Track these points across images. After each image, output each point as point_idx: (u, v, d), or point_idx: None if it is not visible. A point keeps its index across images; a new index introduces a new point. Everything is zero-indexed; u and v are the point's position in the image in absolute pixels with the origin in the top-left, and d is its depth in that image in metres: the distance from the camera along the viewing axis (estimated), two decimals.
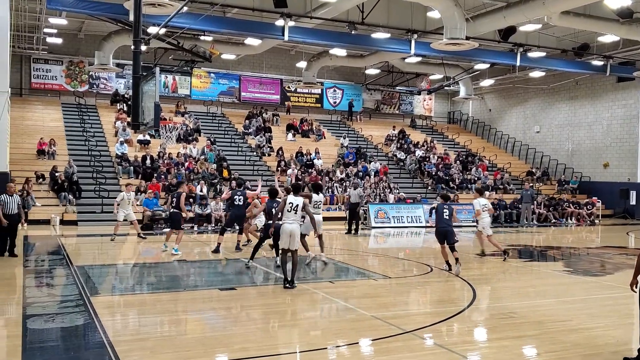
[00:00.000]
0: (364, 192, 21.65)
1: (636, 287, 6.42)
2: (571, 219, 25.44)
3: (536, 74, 29.77)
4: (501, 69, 30.05)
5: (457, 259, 11.61)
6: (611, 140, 29.38)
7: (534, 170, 31.36)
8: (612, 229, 23.39)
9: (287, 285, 9.73)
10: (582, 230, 22.95)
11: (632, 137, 27.88)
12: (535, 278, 12.08)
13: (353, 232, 19.24)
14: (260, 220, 13.61)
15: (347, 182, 25.42)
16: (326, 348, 6.78)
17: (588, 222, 25.42)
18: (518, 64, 25.02)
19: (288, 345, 6.86)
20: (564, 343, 7.02)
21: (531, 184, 27.35)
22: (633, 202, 27.46)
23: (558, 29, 24.05)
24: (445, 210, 11.74)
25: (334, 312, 8.71)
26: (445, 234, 11.78)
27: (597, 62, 26.53)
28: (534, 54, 25.33)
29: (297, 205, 9.92)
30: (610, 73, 26.67)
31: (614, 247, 16.82)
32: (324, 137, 31.12)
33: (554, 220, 24.90)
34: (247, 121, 30.41)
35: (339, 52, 27.07)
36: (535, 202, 24.96)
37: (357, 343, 7.00)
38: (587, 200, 27.21)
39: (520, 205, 24.64)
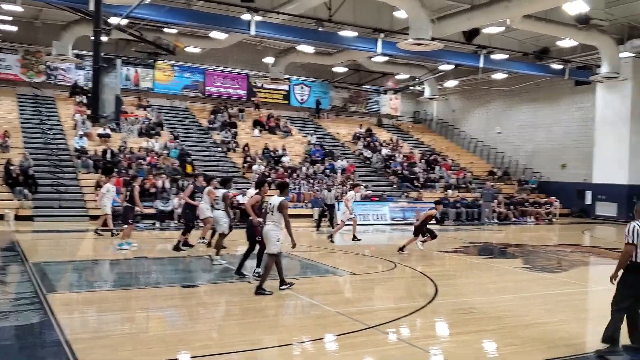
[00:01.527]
0: (337, 192, 21.82)
1: (615, 280, 6.62)
2: (530, 218, 26.04)
3: (499, 76, 30.35)
4: (465, 70, 30.55)
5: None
6: (569, 142, 30.18)
7: (495, 170, 32.00)
8: (568, 228, 24.06)
9: (282, 286, 9.41)
10: (541, 229, 23.54)
11: (588, 139, 28.69)
12: (495, 274, 12.34)
13: (326, 228, 19.52)
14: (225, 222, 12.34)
15: (314, 179, 25.47)
16: (291, 344, 6.80)
17: (546, 220, 26.08)
18: (481, 65, 25.48)
19: (251, 342, 6.85)
20: (521, 337, 7.20)
21: (492, 184, 27.91)
22: (588, 201, 28.29)
23: (520, 32, 24.61)
24: None
25: (299, 309, 8.73)
26: None
27: (557, 66, 27.23)
28: (496, 57, 25.85)
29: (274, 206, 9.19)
30: (569, 77, 27.40)
31: (570, 245, 17.31)
32: (291, 134, 31.09)
33: (513, 219, 25.46)
34: (212, 116, 30.14)
35: (307, 49, 27.09)
36: (495, 201, 25.48)
37: (322, 339, 7.04)
38: (546, 199, 27.94)
39: (481, 204, 25.11)
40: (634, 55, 25.91)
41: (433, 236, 14.51)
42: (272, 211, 9.17)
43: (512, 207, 26.16)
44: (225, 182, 12.59)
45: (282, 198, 9.25)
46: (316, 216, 22.64)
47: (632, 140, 26.67)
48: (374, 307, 9.04)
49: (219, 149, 27.32)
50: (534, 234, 21.75)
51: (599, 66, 24.84)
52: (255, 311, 8.31)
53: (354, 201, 17.08)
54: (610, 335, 6.49)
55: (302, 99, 35.20)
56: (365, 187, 24.69)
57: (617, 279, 6.55)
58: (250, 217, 10.04)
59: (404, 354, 6.63)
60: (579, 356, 6.60)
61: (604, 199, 27.66)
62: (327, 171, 26.70)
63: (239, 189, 21.09)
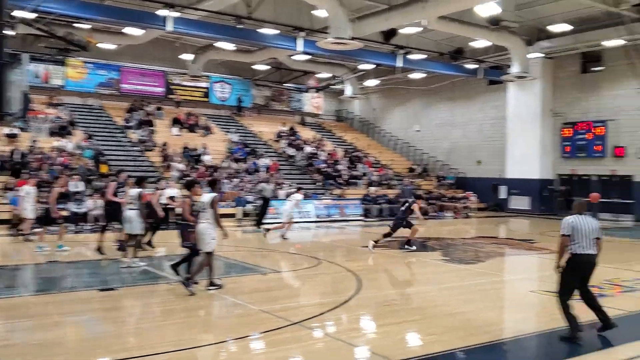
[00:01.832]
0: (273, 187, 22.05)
1: (559, 269, 7.10)
2: (448, 212, 27.01)
3: (417, 75, 31.24)
4: (385, 69, 31.24)
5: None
6: (484, 139, 31.55)
7: (415, 166, 32.93)
8: (484, 221, 25.14)
9: (211, 287, 9.31)
10: (458, 222, 24.47)
11: (501, 136, 30.10)
12: (416, 267, 12.71)
13: (261, 226, 19.65)
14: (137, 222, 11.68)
15: (238, 178, 25.21)
16: (213, 344, 6.71)
17: (463, 214, 27.14)
18: (399, 65, 26.19)
19: (172, 343, 6.69)
20: (442, 326, 7.46)
21: (412, 180, 28.72)
22: (503, 196, 29.70)
23: (436, 33, 25.45)
24: None
25: (222, 309, 8.63)
26: None
27: (471, 66, 28.41)
28: (414, 56, 26.63)
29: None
30: (483, 76, 28.65)
31: (485, 237, 18.10)
32: (212, 133, 30.63)
33: (433, 213, 26.30)
34: (128, 114, 29.18)
35: (227, 46, 26.78)
36: (414, 196, 26.20)
37: (245, 337, 6.99)
38: (463, 194, 29.09)
39: (400, 200, 25.71)
40: (542, 55, 27.42)
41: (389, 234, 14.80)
42: (205, 208, 9.09)
43: (431, 202, 27.01)
44: (140, 182, 12.20)
45: (214, 194, 9.23)
46: (240, 215, 22.46)
47: (542, 136, 28.24)
48: (299, 304, 9.07)
49: (136, 148, 26.48)
50: (452, 227, 22.58)
51: (510, 66, 26.12)
52: (177, 312, 8.12)
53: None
54: (570, 322, 6.95)
55: (222, 97, 34.75)
56: (289, 185, 24.75)
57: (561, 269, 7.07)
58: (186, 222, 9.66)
59: (328, 348, 6.70)
60: (496, 342, 6.91)
61: (517, 193, 29.13)
62: (251, 169, 26.51)
63: (156, 189, 20.52)
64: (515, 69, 25.46)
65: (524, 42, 25.59)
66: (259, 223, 20.07)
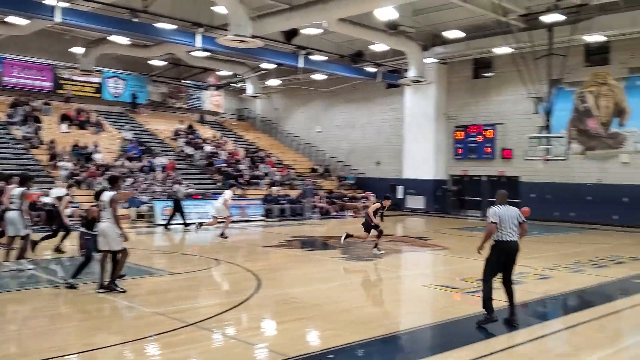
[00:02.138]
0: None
1: (482, 251, 7.66)
2: (349, 212, 27.63)
3: (318, 76, 31.70)
4: (287, 69, 31.41)
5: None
6: (382, 140, 32.58)
7: (316, 167, 33.38)
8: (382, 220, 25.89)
9: (101, 289, 8.96)
10: (358, 222, 24.99)
11: (399, 138, 31.22)
12: (315, 266, 12.90)
13: (184, 225, 20.00)
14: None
15: (132, 177, 24.34)
16: (103, 348, 6.45)
17: (363, 214, 27.79)
18: (301, 65, 26.45)
19: (61, 348, 6.36)
20: (338, 322, 7.64)
21: (314, 180, 29.11)
22: (400, 195, 30.81)
23: (337, 35, 25.96)
24: None
25: (114, 312, 8.32)
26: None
27: (370, 69, 29.24)
28: (315, 58, 27.02)
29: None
30: (381, 79, 29.57)
31: (383, 236, 18.63)
32: (104, 130, 29.34)
33: (334, 213, 26.79)
34: (11, 109, 27.30)
35: (121, 40, 25.78)
36: (317, 196, 26.60)
37: (137, 340, 6.78)
38: (362, 194, 29.88)
39: (303, 200, 26.04)
40: (437, 61, 28.76)
41: (379, 233, 14.51)
42: (105, 207, 8.97)
43: (332, 202, 27.51)
44: (24, 181, 11.45)
45: (114, 192, 9.09)
46: (134, 216, 21.74)
47: (436, 138, 29.60)
48: (195, 305, 8.92)
49: (20, 145, 24.85)
50: (352, 226, 23.05)
51: (407, 70, 27.16)
52: (66, 317, 7.74)
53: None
54: (485, 305, 7.51)
55: (116, 93, 33.38)
56: (187, 185, 24.25)
57: (487, 254, 7.67)
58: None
59: (225, 348, 6.67)
60: (391, 335, 7.18)
61: (413, 192, 30.35)
62: (146, 169, 25.68)
63: (43, 189, 19.43)
64: (411, 73, 26.49)
65: (420, 47, 26.70)
66: (168, 224, 20.10)
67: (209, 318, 7.66)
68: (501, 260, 7.60)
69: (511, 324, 7.53)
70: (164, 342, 6.68)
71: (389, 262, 13.70)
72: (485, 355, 6.33)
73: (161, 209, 21.43)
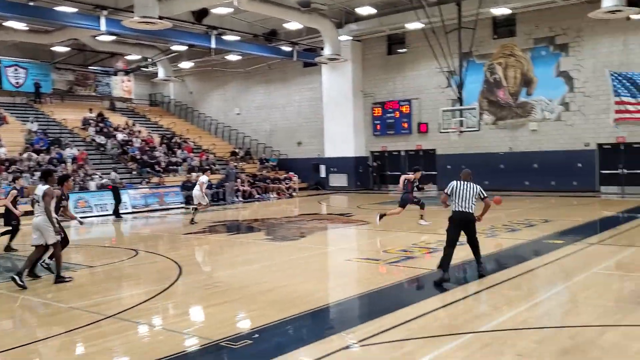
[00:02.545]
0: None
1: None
2: (273, 194, 27.62)
3: (233, 57, 31.25)
4: (200, 51, 30.73)
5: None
6: (302, 120, 32.67)
7: (237, 150, 33.04)
8: (306, 200, 26.11)
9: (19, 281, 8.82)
10: (283, 203, 25.13)
11: (318, 117, 31.41)
12: (239, 249, 12.84)
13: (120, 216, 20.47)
14: None
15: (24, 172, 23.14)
16: (15, 348, 6.14)
17: (287, 195, 27.93)
18: (213, 46, 25.94)
19: None
20: (263, 302, 7.65)
21: (235, 164, 28.81)
22: (323, 174, 31.12)
23: (249, 14, 25.60)
24: None
25: (27, 310, 7.93)
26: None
27: (286, 48, 29.10)
28: (228, 38, 26.57)
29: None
30: (297, 58, 29.53)
31: (308, 215, 18.85)
32: (6, 122, 27.68)
33: (257, 196, 26.68)
34: None
35: (17, 25, 24.27)
36: (239, 180, 26.37)
37: (54, 337, 6.51)
38: (286, 175, 29.92)
39: (226, 184, 25.73)
40: (351, 38, 29.02)
41: (421, 205, 15.31)
42: (38, 201, 9.07)
43: (255, 184, 27.37)
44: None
45: (47, 186, 9.10)
46: None
47: (355, 116, 30.00)
48: (114, 297, 8.65)
49: None
50: (276, 208, 23.15)
51: (322, 48, 27.24)
52: None
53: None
54: (441, 264, 8.56)
55: (17, 83, 31.50)
56: (100, 177, 23.40)
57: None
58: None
59: (148, 337, 6.53)
60: (314, 310, 7.25)
61: (336, 171, 30.71)
62: (55, 161, 24.49)
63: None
64: (327, 51, 26.60)
65: (334, 24, 26.82)
66: (116, 213, 20.52)
67: (130, 309, 7.46)
68: (456, 228, 8.62)
69: (480, 274, 8.71)
70: (81, 336, 6.45)
71: (313, 239, 13.83)
72: (408, 320, 6.53)
73: (74, 202, 20.54)
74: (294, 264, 10.52)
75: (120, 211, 20.93)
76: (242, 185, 26.43)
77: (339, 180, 30.58)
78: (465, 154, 27.01)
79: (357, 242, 14.10)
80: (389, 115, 29.60)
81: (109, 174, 23.11)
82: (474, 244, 8.89)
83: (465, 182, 8.76)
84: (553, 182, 24.55)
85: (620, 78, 22.14)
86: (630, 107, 22.10)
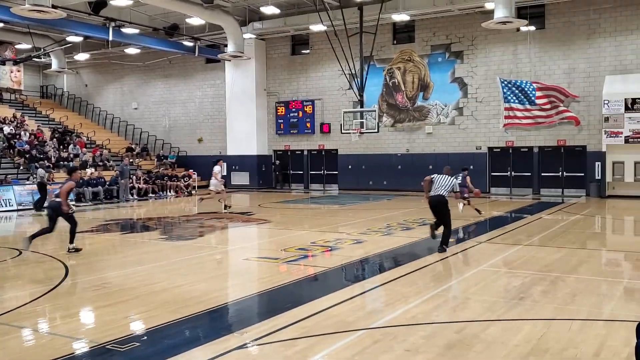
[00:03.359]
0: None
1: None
2: (170, 192, 26.82)
3: (132, 50, 30.07)
4: (96, 43, 29.30)
5: None
6: (204, 116, 32.03)
7: (133, 146, 31.82)
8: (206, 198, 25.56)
9: None
10: (181, 201, 24.46)
11: (221, 114, 30.93)
12: (132, 248, 12.32)
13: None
14: None
15: None
16: None
17: (186, 193, 27.21)
18: (111, 38, 24.81)
19: None
20: (154, 302, 7.34)
21: (131, 160, 27.71)
22: (224, 172, 30.45)
23: (150, 7, 24.70)
24: None
25: None
26: None
27: (188, 43, 28.36)
28: (127, 30, 25.50)
29: None
30: (199, 54, 28.88)
31: (206, 214, 18.45)
32: None
33: (153, 194, 25.78)
34: None
35: None
36: (134, 177, 25.37)
37: None
38: (185, 172, 29.16)
39: (119, 181, 24.65)
40: (255, 37, 28.80)
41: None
42: None
43: (151, 182, 26.46)
44: None
45: None
46: None
47: (258, 114, 29.80)
48: None
49: None
50: (174, 206, 22.52)
51: (226, 45, 26.81)
52: None
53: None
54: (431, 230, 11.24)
55: None
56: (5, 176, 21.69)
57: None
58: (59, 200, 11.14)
59: (28, 341, 6.05)
60: (207, 310, 7.05)
61: (238, 169, 30.35)
62: None
63: None
64: (230, 48, 26.17)
65: (237, 22, 26.46)
66: (39, 207, 19.95)
67: (10, 312, 6.92)
68: (431, 208, 11.07)
69: (441, 250, 10.78)
70: None
71: (211, 239, 13.56)
72: (303, 319, 6.51)
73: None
74: (190, 263, 10.24)
75: (5, 209, 19.57)
76: (137, 183, 25.44)
77: (241, 178, 30.27)
78: (365, 154, 27.64)
79: (255, 241, 13.97)
80: (292, 114, 29.67)
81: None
82: (441, 224, 11.00)
83: (443, 176, 11.04)
84: None
85: (510, 85, 23.53)
86: (519, 113, 23.55)
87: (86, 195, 23.04)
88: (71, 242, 11.34)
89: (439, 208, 10.90)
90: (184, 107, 32.60)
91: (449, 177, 11.01)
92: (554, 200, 22.20)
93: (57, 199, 11.33)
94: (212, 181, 19.89)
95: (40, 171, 21.02)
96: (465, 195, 16.68)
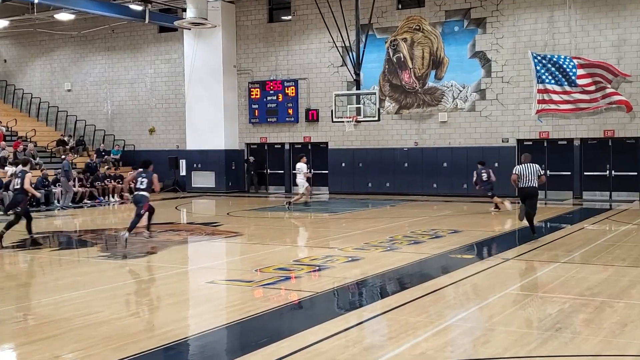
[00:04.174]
0: None
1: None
2: (114, 196, 26.69)
3: (63, 16, 29.91)
4: (18, 6, 29.15)
5: None
6: (157, 100, 32.00)
7: (66, 138, 31.68)
8: (161, 205, 25.26)
9: None
10: (127, 209, 24.31)
11: (179, 97, 30.91)
12: (65, 269, 12.32)
13: None
14: None
15: None
16: None
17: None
18: (36, 0, 24.75)
19: None
20: (93, 338, 7.31)
21: (64, 156, 27.51)
22: (183, 172, 30.59)
23: None
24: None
25: None
26: None
27: (136, 7, 28.20)
28: None
29: None
30: (150, 21, 28.80)
31: (159, 224, 18.37)
32: None
33: (89, 200, 25.59)
34: None
35: None
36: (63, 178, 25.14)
37: None
38: (132, 172, 29.05)
39: (64, 184, 24.38)
40: None
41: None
42: None
43: (89, 184, 26.31)
44: None
45: None
46: None
47: (227, 98, 29.78)
48: None
49: None
50: (118, 215, 22.44)
51: (184, 10, 26.73)
52: None
53: None
54: (521, 218, 14.41)
55: None
56: None
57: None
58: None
59: None
60: (159, 348, 7.03)
61: (201, 168, 30.32)
62: None
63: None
64: (190, 13, 26.06)
65: None
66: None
67: None
68: (523, 200, 14.23)
69: (533, 237, 14.25)
70: None
71: (166, 257, 13.54)
72: (284, 357, 6.52)
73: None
74: (138, 288, 10.25)
75: None
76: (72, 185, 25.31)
77: (205, 179, 30.21)
78: (362, 148, 27.74)
79: (224, 259, 13.96)
80: (270, 98, 29.71)
81: None
82: (531, 214, 14.14)
83: (527, 164, 14.07)
84: (465, 184, 25.76)
85: (544, 62, 23.63)
86: (555, 97, 23.63)
87: (5, 200, 22.84)
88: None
89: (532, 199, 14.22)
90: (131, 88, 32.51)
91: (533, 164, 14.14)
92: (599, 206, 22.39)
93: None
94: (299, 180, 22.08)
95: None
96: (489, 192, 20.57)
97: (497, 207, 20.44)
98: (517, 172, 14.11)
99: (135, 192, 15.23)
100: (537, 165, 14.19)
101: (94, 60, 33.37)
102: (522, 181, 13.94)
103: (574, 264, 11.75)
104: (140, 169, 15.31)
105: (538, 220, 18.67)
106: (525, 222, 14.43)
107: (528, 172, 13.95)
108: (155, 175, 15.08)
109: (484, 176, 20.53)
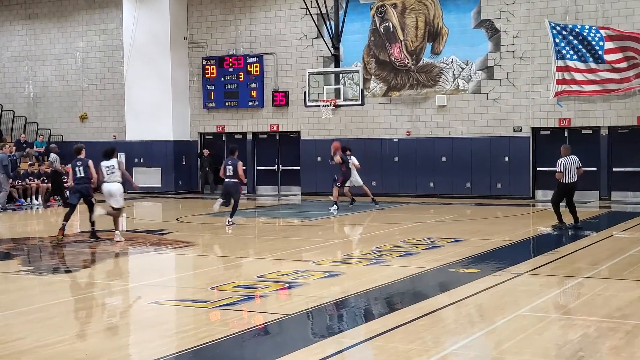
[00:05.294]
0: None
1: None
2: (38, 198, 26.47)
3: None
4: None
5: None
6: (89, 81, 31.83)
7: None
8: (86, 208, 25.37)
9: None
10: (53, 214, 24.15)
11: (116, 77, 30.90)
12: None
13: None
14: None
15: None
16: None
17: (60, 201, 26.69)
18: None
19: None
20: None
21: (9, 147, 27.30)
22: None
23: None
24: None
25: None
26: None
27: None
28: None
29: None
30: None
31: (93, 232, 18.28)
32: None
33: (7, 205, 25.46)
34: None
35: None
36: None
37: None
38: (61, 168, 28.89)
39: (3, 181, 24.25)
40: None
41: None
42: None
43: (11, 184, 26.13)
44: None
45: None
46: None
47: (175, 77, 29.67)
48: None
49: None
50: (42, 221, 22.31)
51: None
52: None
53: None
54: (558, 218, 17.34)
55: None
56: None
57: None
58: None
59: None
60: None
61: (143, 163, 30.17)
62: None
63: None
64: None
65: None
66: None
67: None
68: (564, 194, 17.25)
69: (579, 229, 17.20)
70: None
71: (101, 271, 13.51)
72: None
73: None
74: (69, 309, 10.19)
75: None
76: None
77: (148, 177, 30.10)
78: (342, 138, 27.64)
79: (173, 275, 13.93)
80: (229, 78, 29.70)
81: None
82: (573, 205, 17.41)
83: (569, 157, 16.79)
84: (468, 183, 25.89)
85: (565, 33, 23.65)
86: (578, 76, 23.61)
87: None
88: None
89: (572, 192, 17.22)
90: (58, 66, 32.37)
91: (573, 156, 16.87)
92: (631, 209, 22.60)
93: None
94: (354, 176, 23.65)
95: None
96: None
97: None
98: (562, 169, 16.60)
99: (227, 180, 18.73)
100: (576, 157, 16.84)
101: (12, 31, 33.21)
102: (565, 176, 16.53)
103: (601, 279, 11.85)
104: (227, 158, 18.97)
105: (551, 226, 18.99)
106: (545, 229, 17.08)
107: (573, 164, 16.61)
108: (240, 162, 18.65)
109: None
